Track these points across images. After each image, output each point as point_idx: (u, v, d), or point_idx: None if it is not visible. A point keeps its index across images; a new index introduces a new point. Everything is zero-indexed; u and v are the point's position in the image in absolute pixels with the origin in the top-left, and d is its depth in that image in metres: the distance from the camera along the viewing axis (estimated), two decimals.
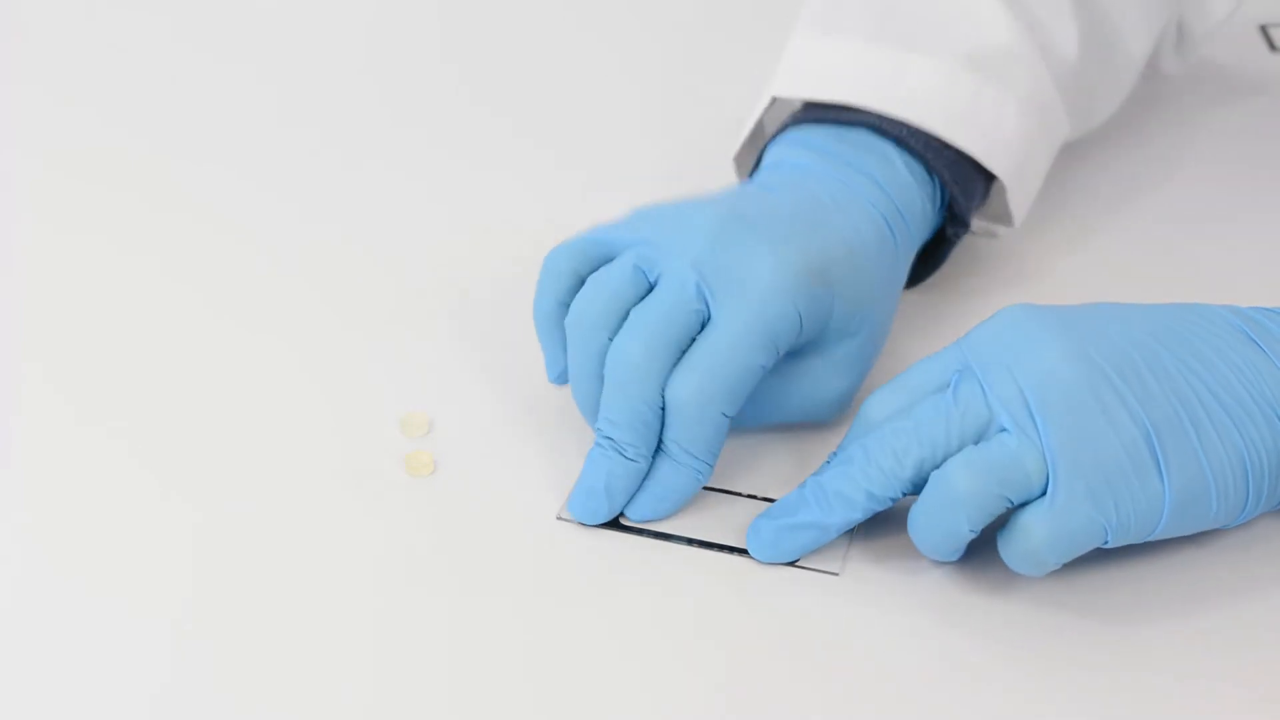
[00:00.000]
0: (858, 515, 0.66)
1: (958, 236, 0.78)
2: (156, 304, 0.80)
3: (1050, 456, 0.63)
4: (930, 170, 0.76)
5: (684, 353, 0.68)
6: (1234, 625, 0.65)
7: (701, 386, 0.67)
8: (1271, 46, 0.99)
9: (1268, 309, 0.67)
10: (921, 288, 0.80)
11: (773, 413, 0.72)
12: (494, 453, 0.72)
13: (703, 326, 0.68)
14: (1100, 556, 0.66)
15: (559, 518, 0.69)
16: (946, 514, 0.64)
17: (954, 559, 0.66)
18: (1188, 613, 0.65)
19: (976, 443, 0.64)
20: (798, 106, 0.81)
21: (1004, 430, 0.64)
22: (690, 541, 0.68)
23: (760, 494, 0.70)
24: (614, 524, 0.69)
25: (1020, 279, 0.82)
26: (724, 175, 0.83)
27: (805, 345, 0.71)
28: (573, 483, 0.70)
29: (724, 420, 0.68)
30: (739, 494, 0.70)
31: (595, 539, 0.68)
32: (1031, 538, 0.63)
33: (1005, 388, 0.64)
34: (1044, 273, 0.83)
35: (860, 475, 0.65)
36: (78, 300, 0.80)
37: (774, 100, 0.81)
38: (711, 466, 0.69)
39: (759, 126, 0.82)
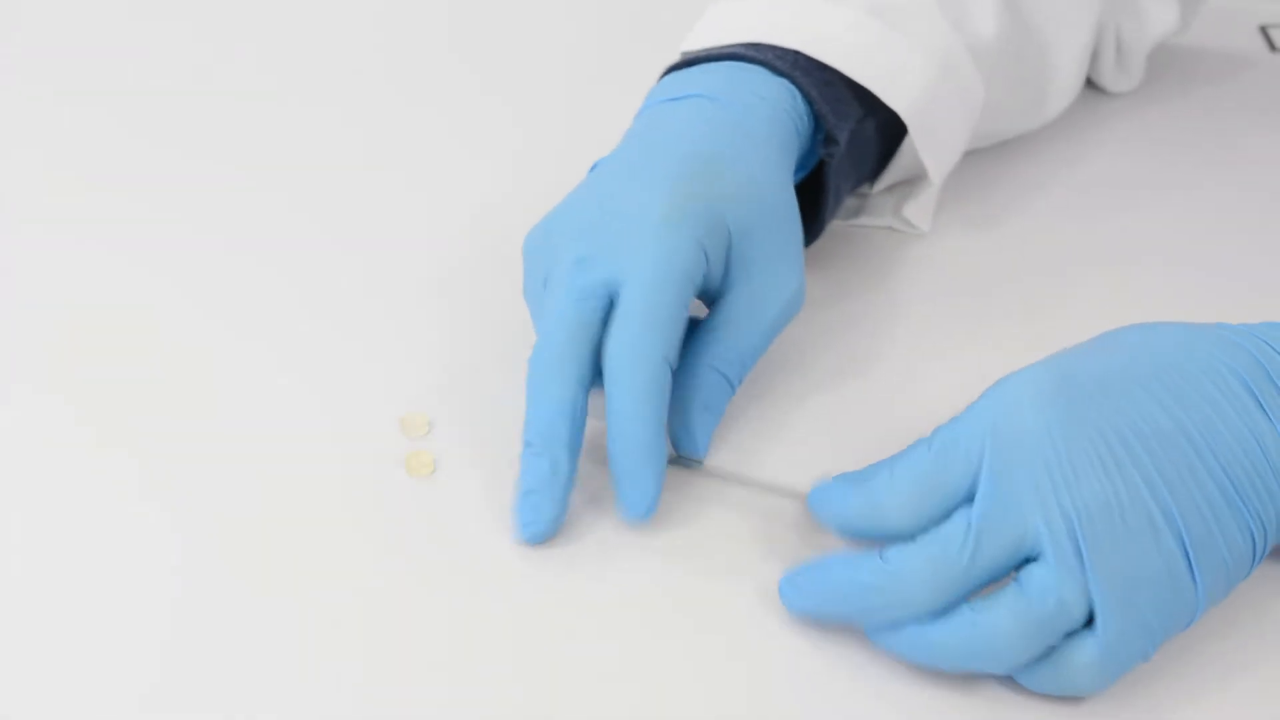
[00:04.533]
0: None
1: (831, 157, 0.77)
2: (154, 304, 0.80)
3: (1096, 590, 0.60)
4: (800, 93, 0.76)
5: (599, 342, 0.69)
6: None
7: (623, 344, 0.67)
8: (1271, 46, 0.99)
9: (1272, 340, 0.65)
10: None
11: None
12: (494, 453, 0.72)
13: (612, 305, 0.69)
14: None
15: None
16: (987, 661, 0.62)
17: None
18: None
19: (1017, 567, 0.61)
20: None
21: (1039, 560, 0.61)
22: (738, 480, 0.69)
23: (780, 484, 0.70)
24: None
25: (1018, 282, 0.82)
26: None
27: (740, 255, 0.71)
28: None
29: (662, 369, 0.67)
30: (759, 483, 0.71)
31: (594, 539, 0.68)
32: (1079, 672, 0.61)
33: (1043, 510, 0.61)
34: (1026, 269, 0.83)
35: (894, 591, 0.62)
36: (74, 302, 0.80)
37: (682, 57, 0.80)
38: (661, 420, 0.68)
39: None
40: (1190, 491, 0.61)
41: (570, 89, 0.97)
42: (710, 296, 0.72)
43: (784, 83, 0.76)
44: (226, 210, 0.87)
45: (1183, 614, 0.61)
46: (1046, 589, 0.60)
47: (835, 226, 0.84)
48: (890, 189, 0.84)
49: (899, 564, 0.62)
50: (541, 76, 0.98)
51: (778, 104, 0.75)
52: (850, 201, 0.84)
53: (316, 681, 0.63)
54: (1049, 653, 0.61)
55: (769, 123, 0.74)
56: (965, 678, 0.63)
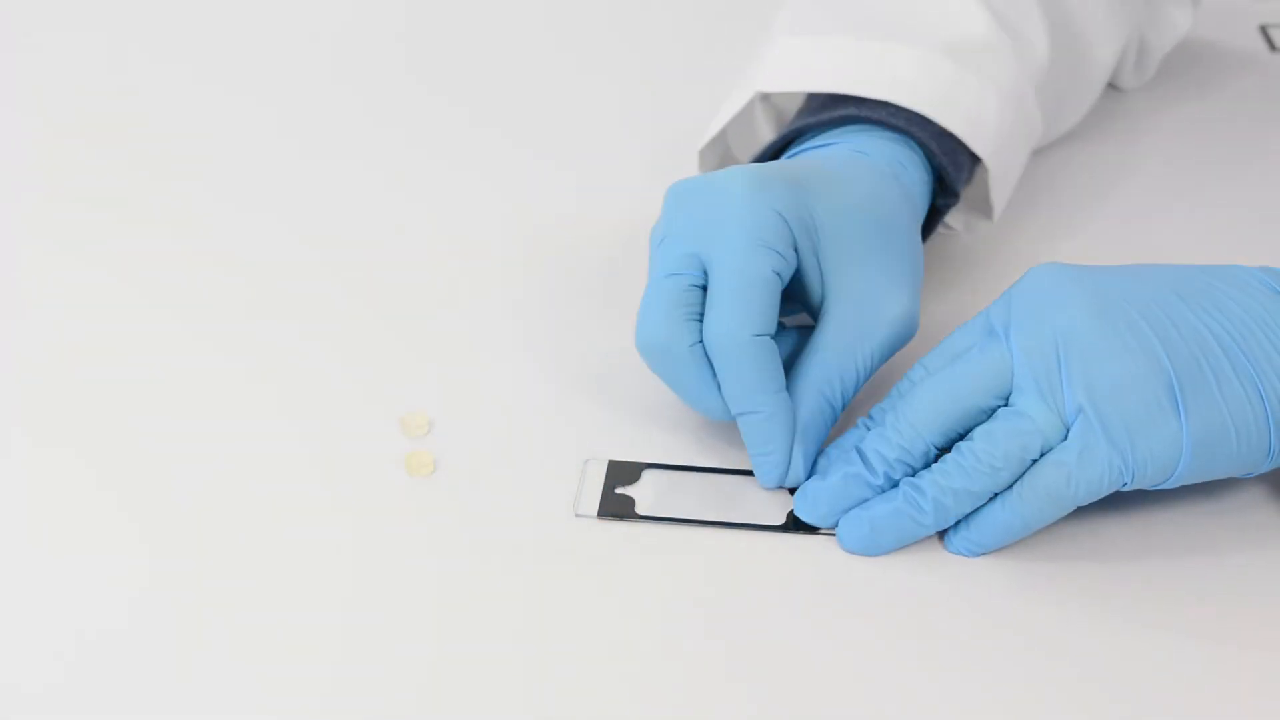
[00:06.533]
0: (896, 475, 0.67)
1: (948, 207, 0.78)
2: (157, 304, 0.80)
3: (1070, 408, 0.64)
4: (920, 147, 0.77)
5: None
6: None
7: (718, 323, 0.68)
8: (1271, 46, 0.99)
9: None
10: None
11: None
12: (494, 453, 0.72)
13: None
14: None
15: (578, 514, 0.69)
16: (977, 476, 0.65)
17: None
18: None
19: (1005, 399, 0.66)
20: (774, 129, 0.82)
21: (1022, 390, 0.65)
22: (708, 523, 0.69)
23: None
24: (630, 514, 0.69)
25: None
26: None
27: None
28: (571, 481, 0.70)
29: (763, 344, 0.68)
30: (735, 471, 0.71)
31: (594, 536, 0.68)
32: (1054, 482, 0.64)
33: (1032, 341, 0.65)
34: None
35: (893, 435, 0.67)
36: (78, 299, 0.80)
37: (755, 98, 0.81)
38: (777, 395, 0.68)
39: (725, 134, 0.83)
40: (1182, 341, 0.64)
41: (581, 95, 0.97)
42: (813, 308, 0.72)
43: (910, 145, 0.77)
44: (227, 210, 0.87)
45: (1163, 443, 0.64)
46: (1021, 410, 0.65)
47: None
48: None
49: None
50: (555, 81, 0.98)
51: (910, 165, 0.76)
52: None
53: (316, 681, 0.63)
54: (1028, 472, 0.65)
55: (902, 176, 0.76)
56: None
